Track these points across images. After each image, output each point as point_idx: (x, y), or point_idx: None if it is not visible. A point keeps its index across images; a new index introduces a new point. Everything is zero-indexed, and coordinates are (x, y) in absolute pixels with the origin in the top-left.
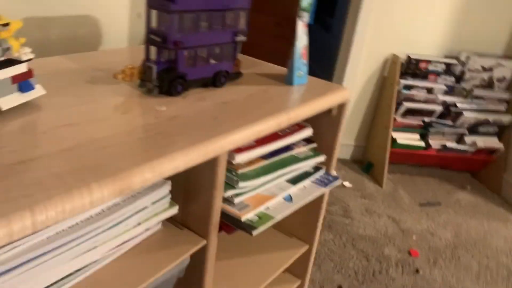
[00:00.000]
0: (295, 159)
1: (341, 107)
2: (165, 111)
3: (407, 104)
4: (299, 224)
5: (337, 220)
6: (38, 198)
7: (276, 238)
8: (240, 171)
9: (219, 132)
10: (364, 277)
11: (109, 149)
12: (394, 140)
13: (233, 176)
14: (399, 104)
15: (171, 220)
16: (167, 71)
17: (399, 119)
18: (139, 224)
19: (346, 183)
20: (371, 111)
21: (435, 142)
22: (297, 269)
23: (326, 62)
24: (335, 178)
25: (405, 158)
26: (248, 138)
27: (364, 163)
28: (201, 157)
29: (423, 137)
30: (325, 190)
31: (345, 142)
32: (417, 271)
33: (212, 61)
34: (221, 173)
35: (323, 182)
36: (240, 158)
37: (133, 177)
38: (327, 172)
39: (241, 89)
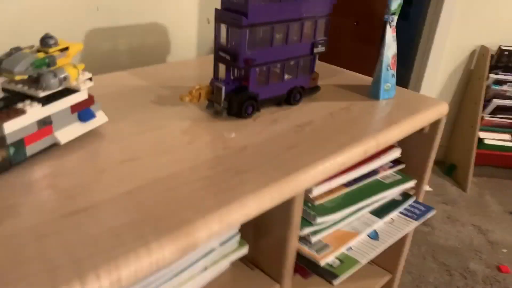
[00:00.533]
0: (381, 185)
1: (435, 123)
2: (234, 138)
3: (497, 101)
4: None
5: (416, 228)
6: (91, 263)
7: None
8: (317, 202)
9: (296, 168)
10: None
11: (172, 193)
12: (480, 140)
13: (310, 209)
14: (487, 101)
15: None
16: (237, 91)
17: (488, 117)
18: (205, 269)
19: (426, 187)
20: (455, 108)
21: None
22: None
23: (403, 54)
24: (428, 208)
25: (493, 160)
26: (329, 172)
27: (446, 165)
28: (275, 199)
29: None
30: (417, 224)
31: None
32: None
33: (287, 77)
34: (297, 213)
35: (414, 214)
36: (318, 191)
37: (198, 232)
38: (418, 201)
39: (318, 106)
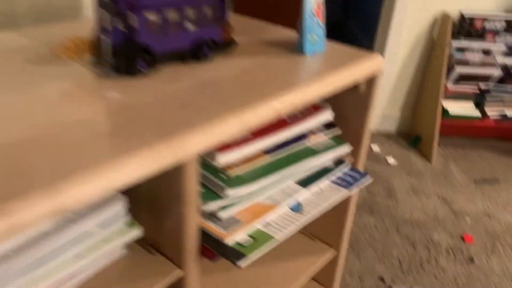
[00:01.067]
0: (310, 152)
1: (371, 81)
2: (118, 99)
3: (460, 69)
4: (322, 225)
5: (379, 201)
6: None
7: (295, 241)
8: (232, 172)
9: (180, 129)
10: (410, 267)
11: (8, 163)
12: (445, 110)
13: (220, 181)
14: (450, 69)
15: (140, 240)
16: (125, 43)
17: (451, 86)
18: (81, 257)
19: (390, 160)
20: (418, 78)
21: (492, 111)
22: (323, 278)
23: (367, 24)
24: (363, 175)
25: (458, 130)
26: (229, 134)
27: (411, 137)
28: (150, 167)
29: (479, 105)
30: (348, 193)
31: (390, 113)
32: (471, 260)
33: (190, 27)
34: (190, 184)
35: (345, 182)
36: (224, 158)
37: (21, 211)
38: (354, 167)
39: (233, 63)
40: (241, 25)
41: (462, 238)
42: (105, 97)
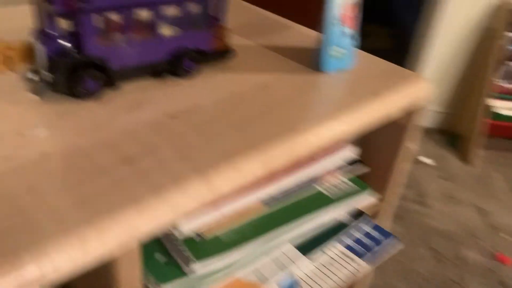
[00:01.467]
0: (321, 200)
1: (411, 113)
2: (39, 138)
3: None
4: None
5: (409, 207)
6: None
7: None
8: (208, 234)
9: (115, 203)
10: (433, 287)
11: None
12: (491, 109)
13: (186, 249)
14: (502, 64)
15: None
16: (67, 54)
17: (502, 83)
18: None
19: (426, 160)
20: (466, 72)
21: None
22: None
23: (413, 8)
24: (387, 235)
25: (505, 132)
26: (189, 207)
27: (451, 135)
28: (56, 271)
29: None
30: (364, 267)
31: (431, 107)
32: (502, 284)
33: (167, 32)
34: (128, 280)
35: (365, 247)
36: (191, 226)
37: None
38: (376, 225)
39: (223, 82)
40: (247, 20)
41: (495, 257)
42: (25, 134)
